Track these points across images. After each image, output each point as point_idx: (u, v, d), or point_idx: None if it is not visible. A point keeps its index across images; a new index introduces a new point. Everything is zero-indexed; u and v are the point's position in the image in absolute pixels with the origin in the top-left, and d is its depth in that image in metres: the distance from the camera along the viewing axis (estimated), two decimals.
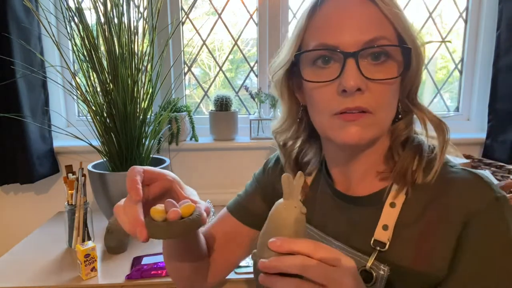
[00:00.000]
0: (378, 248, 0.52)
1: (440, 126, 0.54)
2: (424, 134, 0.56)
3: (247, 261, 1.03)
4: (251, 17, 1.58)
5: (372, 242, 0.53)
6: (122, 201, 0.49)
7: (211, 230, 0.73)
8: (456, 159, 0.58)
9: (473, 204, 0.49)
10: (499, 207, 0.49)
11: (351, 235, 0.56)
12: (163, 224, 0.45)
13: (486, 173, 1.26)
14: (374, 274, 0.51)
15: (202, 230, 0.72)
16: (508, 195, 0.96)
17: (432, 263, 0.50)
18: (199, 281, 0.70)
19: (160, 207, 0.47)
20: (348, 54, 0.49)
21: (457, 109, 1.69)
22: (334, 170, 0.62)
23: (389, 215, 0.53)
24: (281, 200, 0.46)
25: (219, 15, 1.57)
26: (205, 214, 0.49)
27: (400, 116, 0.57)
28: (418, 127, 0.58)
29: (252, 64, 1.63)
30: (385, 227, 0.53)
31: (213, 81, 1.65)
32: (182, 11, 1.56)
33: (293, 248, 0.42)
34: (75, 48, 1.15)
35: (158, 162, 1.30)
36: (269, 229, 0.46)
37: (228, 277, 0.99)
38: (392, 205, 0.54)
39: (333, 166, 0.63)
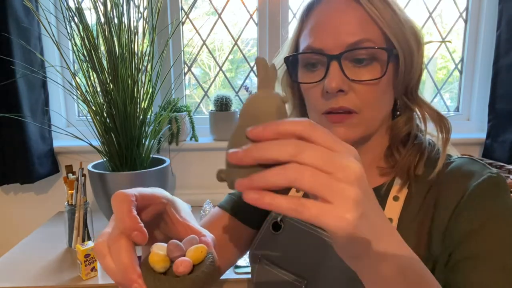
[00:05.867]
0: None
1: (440, 122, 0.56)
2: (425, 130, 0.58)
3: (247, 261, 1.03)
4: (251, 17, 1.58)
5: None
6: (105, 235, 0.36)
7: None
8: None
9: (469, 181, 0.50)
10: (494, 182, 0.50)
11: None
12: (168, 280, 0.34)
13: None
14: None
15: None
16: None
17: (430, 247, 0.51)
18: None
19: (160, 250, 0.36)
20: (331, 56, 0.51)
21: (457, 109, 1.69)
22: None
23: (392, 209, 0.54)
24: (255, 92, 0.35)
25: (219, 15, 1.57)
26: (215, 255, 0.39)
27: (399, 113, 0.59)
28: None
29: (252, 64, 1.63)
30: (389, 220, 0.53)
31: (213, 81, 1.65)
32: (182, 11, 1.56)
33: (282, 128, 0.30)
34: (75, 48, 1.15)
35: (158, 162, 1.30)
36: (243, 124, 0.32)
37: (228, 277, 0.99)
38: (396, 198, 0.55)
39: None
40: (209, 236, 0.42)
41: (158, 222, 0.41)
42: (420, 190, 0.54)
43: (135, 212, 0.36)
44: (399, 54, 0.52)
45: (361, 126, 0.53)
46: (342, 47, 0.51)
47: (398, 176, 0.56)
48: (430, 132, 0.58)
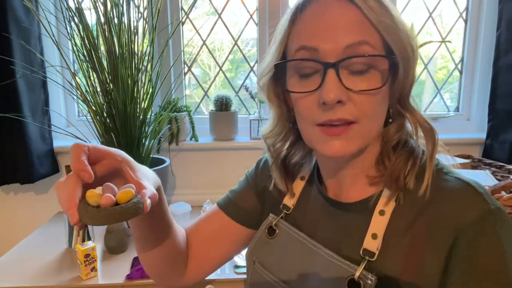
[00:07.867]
0: (367, 258, 0.51)
1: (429, 132, 0.53)
2: (416, 137, 0.54)
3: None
4: (251, 17, 1.58)
5: (361, 251, 0.51)
6: (65, 177, 0.46)
7: (198, 225, 0.73)
8: (448, 158, 0.56)
9: (464, 217, 0.47)
10: (490, 220, 0.46)
11: (341, 243, 0.55)
12: (92, 210, 0.42)
13: (485, 173, 1.26)
14: (362, 284, 0.49)
15: (187, 224, 0.73)
16: (508, 195, 0.96)
17: (420, 275, 0.48)
18: (175, 275, 0.70)
19: (98, 190, 0.44)
20: (328, 64, 0.47)
21: (457, 109, 1.69)
22: (325, 175, 0.62)
23: (378, 224, 0.52)
24: None
25: (219, 15, 1.57)
26: (148, 201, 0.45)
27: (391, 120, 0.56)
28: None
29: (252, 64, 1.63)
30: (374, 236, 0.51)
31: (213, 81, 1.65)
32: (182, 11, 1.56)
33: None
34: (75, 48, 1.16)
35: (158, 162, 1.30)
36: None
37: (228, 277, 0.99)
38: (382, 213, 0.52)
39: (323, 172, 0.62)
40: (149, 191, 0.46)
41: (115, 177, 0.49)
42: (409, 206, 0.51)
43: (84, 158, 0.45)
44: (398, 62, 0.49)
45: (359, 139, 0.50)
46: (339, 47, 0.47)
47: (387, 186, 0.53)
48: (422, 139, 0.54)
